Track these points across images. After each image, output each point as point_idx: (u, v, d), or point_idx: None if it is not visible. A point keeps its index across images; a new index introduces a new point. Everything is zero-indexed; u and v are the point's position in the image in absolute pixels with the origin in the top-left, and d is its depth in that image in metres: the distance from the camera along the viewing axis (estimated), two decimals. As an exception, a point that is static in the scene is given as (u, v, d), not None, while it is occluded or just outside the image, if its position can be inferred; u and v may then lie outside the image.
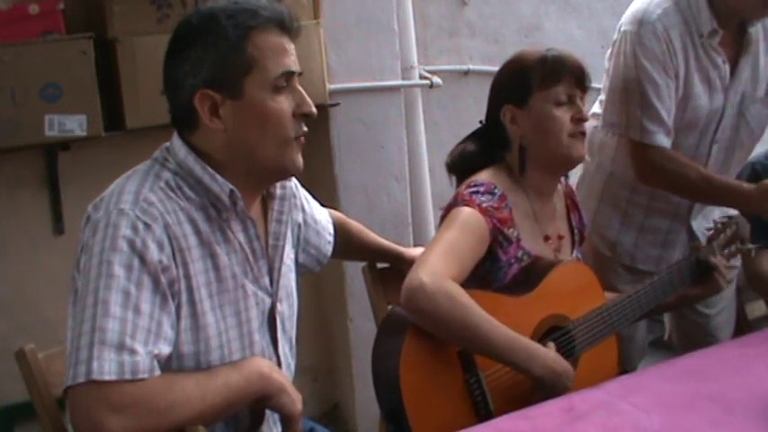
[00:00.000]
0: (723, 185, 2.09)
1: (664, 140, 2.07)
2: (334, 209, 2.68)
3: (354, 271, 2.26)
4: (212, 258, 1.41)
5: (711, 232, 2.03)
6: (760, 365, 1.63)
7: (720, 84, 2.10)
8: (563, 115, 1.78)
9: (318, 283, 2.97)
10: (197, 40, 1.40)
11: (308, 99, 1.45)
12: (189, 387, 1.32)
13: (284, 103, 1.42)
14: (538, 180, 1.85)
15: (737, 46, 2.11)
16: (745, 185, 2.05)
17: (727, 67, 2.09)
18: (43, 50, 2.26)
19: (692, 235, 2.28)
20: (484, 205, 1.72)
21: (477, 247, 1.71)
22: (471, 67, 3.23)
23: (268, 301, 1.51)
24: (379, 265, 2.03)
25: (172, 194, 1.39)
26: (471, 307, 1.57)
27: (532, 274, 1.76)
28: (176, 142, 1.45)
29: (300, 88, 1.45)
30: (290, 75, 1.43)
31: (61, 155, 2.46)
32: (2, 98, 2.23)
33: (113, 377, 1.24)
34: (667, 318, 2.57)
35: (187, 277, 1.37)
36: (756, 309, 3.02)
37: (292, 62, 1.44)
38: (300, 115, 1.44)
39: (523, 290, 1.73)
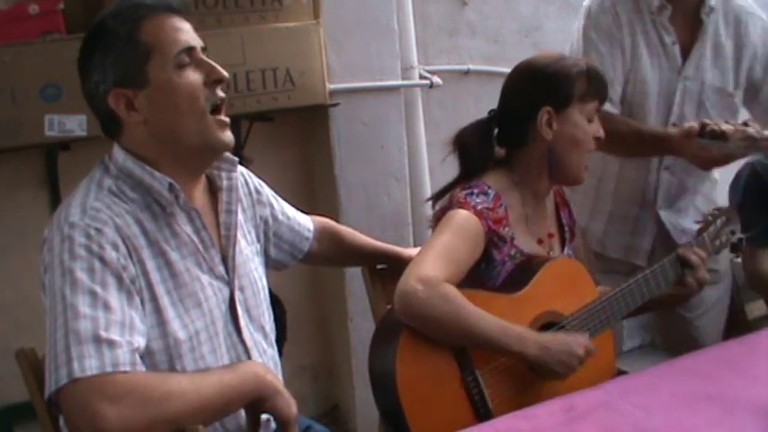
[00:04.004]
0: (650, 134, 2.12)
1: (606, 106, 2.10)
2: (335, 209, 2.71)
3: (354, 271, 2.26)
4: (162, 256, 1.44)
5: (702, 224, 2.03)
6: (760, 365, 1.63)
7: (669, 64, 2.15)
8: (590, 131, 1.82)
9: (318, 283, 2.98)
10: (95, 48, 1.46)
11: (218, 66, 1.48)
12: (183, 381, 1.34)
13: (192, 77, 1.45)
14: (540, 184, 1.86)
15: (693, 34, 2.14)
16: (670, 131, 2.09)
17: (677, 49, 2.14)
18: (43, 50, 2.26)
19: (660, 225, 2.31)
20: (479, 207, 1.73)
21: (473, 250, 1.71)
22: (471, 67, 3.22)
23: (226, 289, 1.53)
24: (379, 266, 2.03)
25: (116, 199, 1.43)
26: (464, 304, 1.59)
27: (524, 271, 1.77)
28: (116, 148, 1.49)
29: (207, 59, 1.48)
30: (190, 50, 1.46)
31: (61, 155, 2.46)
32: (2, 98, 2.23)
33: (95, 372, 1.25)
34: (649, 321, 2.56)
35: (145, 274, 1.41)
36: (756, 309, 3.02)
37: (190, 38, 1.47)
38: (212, 83, 1.47)
39: (516, 288, 1.73)
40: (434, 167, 3.10)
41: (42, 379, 1.51)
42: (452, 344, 1.62)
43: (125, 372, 1.28)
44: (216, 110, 1.47)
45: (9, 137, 2.25)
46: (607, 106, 2.11)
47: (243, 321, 1.55)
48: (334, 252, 1.93)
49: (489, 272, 1.76)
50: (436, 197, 1.89)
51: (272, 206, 1.77)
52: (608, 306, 1.78)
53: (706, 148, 1.97)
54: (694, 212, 2.34)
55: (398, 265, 1.98)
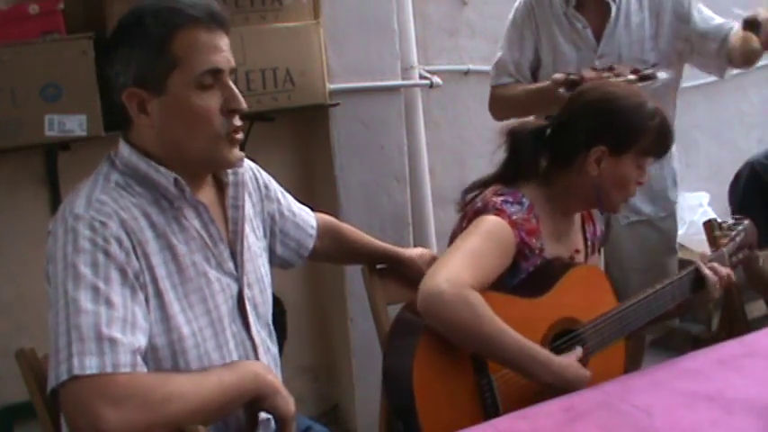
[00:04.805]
0: (534, 89, 2.41)
1: (505, 80, 2.52)
2: (335, 209, 2.71)
3: (354, 271, 2.26)
4: (170, 250, 1.43)
5: (721, 239, 2.01)
6: (760, 365, 1.63)
7: (585, 46, 2.41)
8: (634, 177, 1.80)
9: (318, 282, 2.98)
10: (124, 39, 1.43)
11: (238, 95, 1.45)
12: (184, 382, 1.34)
13: (210, 100, 1.42)
14: (574, 206, 1.85)
15: (605, 16, 2.39)
16: (547, 83, 2.30)
17: (588, 32, 2.40)
18: (43, 50, 2.26)
19: None
20: (514, 217, 1.70)
21: (503, 259, 1.68)
22: (471, 67, 3.23)
23: (234, 286, 1.53)
24: (379, 265, 2.03)
25: (123, 192, 1.42)
26: (489, 316, 1.56)
27: (547, 275, 1.74)
28: (121, 143, 1.48)
29: (231, 84, 1.46)
30: (216, 72, 1.43)
31: (61, 155, 2.47)
32: (2, 98, 2.23)
33: (95, 371, 1.25)
34: None
35: (150, 269, 1.40)
36: (756, 309, 3.02)
37: (221, 59, 1.44)
38: (229, 111, 1.45)
39: (537, 292, 1.70)
40: (434, 167, 3.11)
41: (42, 379, 1.52)
42: (467, 350, 1.60)
43: (125, 373, 1.27)
44: (233, 130, 1.46)
45: (9, 137, 2.25)
46: (504, 80, 2.51)
47: (251, 318, 1.54)
48: (334, 250, 1.92)
49: (511, 278, 1.74)
50: (469, 190, 1.85)
51: (279, 202, 1.75)
52: (624, 316, 1.76)
53: (563, 96, 2.18)
54: (641, 196, 2.43)
55: (398, 265, 1.99)
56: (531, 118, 2.29)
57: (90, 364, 1.25)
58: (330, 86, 2.66)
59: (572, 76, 2.20)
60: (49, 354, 1.54)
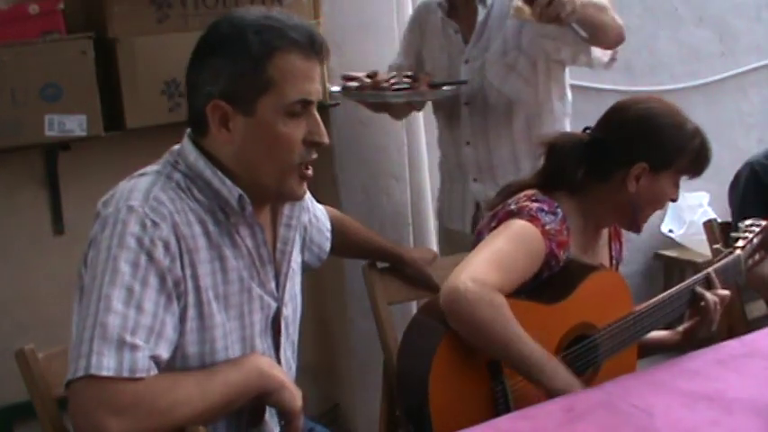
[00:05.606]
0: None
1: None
2: (335, 209, 2.71)
3: (354, 271, 2.26)
4: (221, 261, 1.41)
5: (738, 240, 2.00)
6: (760, 365, 1.63)
7: (456, 51, 2.44)
8: (669, 194, 1.81)
9: (318, 283, 2.97)
10: (221, 49, 1.40)
11: (322, 128, 1.44)
12: (189, 386, 1.33)
13: (295, 129, 1.41)
14: (606, 221, 1.85)
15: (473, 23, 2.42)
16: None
17: (459, 37, 2.42)
18: (43, 50, 2.26)
19: (475, 196, 2.46)
20: (547, 227, 1.68)
21: (530, 267, 1.66)
22: (471, 67, 3.22)
23: (274, 305, 1.51)
24: (380, 265, 2.03)
25: (182, 195, 1.39)
26: (510, 319, 1.55)
27: (567, 279, 1.72)
28: (187, 145, 1.45)
29: (317, 116, 1.44)
30: (307, 103, 1.41)
31: (61, 155, 2.46)
32: (2, 98, 2.23)
33: (111, 373, 1.24)
34: None
35: (194, 278, 1.37)
36: (756, 309, 3.02)
37: (313, 90, 1.42)
38: (311, 143, 1.43)
39: (556, 298, 1.69)
40: (434, 167, 3.10)
41: (42, 379, 1.52)
42: (484, 353, 1.59)
43: (138, 379, 1.26)
44: (306, 164, 1.45)
45: (9, 137, 2.25)
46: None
47: (282, 337, 1.54)
48: (337, 245, 1.90)
49: (530, 283, 1.71)
50: (504, 191, 1.84)
51: (308, 210, 1.73)
52: (640, 320, 1.75)
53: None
54: None
55: (400, 265, 2.00)
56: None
57: (108, 365, 1.25)
58: (330, 87, 2.66)
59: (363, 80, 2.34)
60: (50, 353, 1.56)
